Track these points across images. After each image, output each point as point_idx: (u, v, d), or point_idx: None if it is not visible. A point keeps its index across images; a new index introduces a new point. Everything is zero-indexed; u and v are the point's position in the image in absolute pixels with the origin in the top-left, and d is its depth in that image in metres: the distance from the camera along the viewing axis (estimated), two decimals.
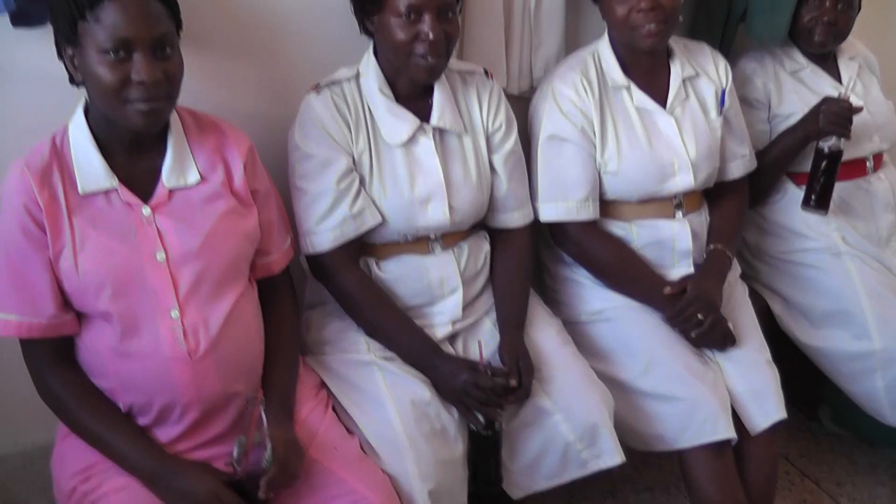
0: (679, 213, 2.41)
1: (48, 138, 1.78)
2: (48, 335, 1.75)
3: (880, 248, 2.67)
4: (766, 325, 2.54)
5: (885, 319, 2.45)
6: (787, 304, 2.66)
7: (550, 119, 2.34)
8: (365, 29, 2.11)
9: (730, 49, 2.79)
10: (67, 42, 1.69)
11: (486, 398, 1.97)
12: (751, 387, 2.24)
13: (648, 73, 2.40)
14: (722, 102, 2.45)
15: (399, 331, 2.09)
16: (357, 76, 2.13)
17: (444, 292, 2.16)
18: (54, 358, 1.78)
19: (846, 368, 2.50)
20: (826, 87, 2.68)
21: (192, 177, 1.82)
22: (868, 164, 2.73)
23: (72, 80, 1.75)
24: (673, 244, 2.39)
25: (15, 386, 1.94)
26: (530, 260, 2.35)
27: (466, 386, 1.98)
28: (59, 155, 1.76)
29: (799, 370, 2.58)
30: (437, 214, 2.12)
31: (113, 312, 1.72)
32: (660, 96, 2.39)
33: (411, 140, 2.11)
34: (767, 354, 2.33)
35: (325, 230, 2.04)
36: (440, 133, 2.15)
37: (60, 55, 1.73)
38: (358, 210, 2.05)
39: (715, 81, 2.46)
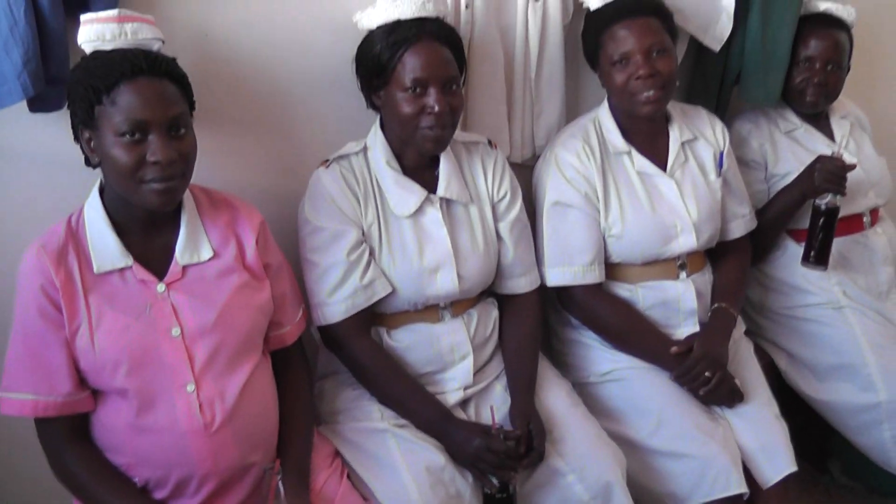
0: (683, 274, 2.44)
1: (64, 220, 1.81)
2: (64, 413, 1.76)
3: (881, 301, 2.70)
4: (773, 379, 2.56)
5: (889, 371, 2.47)
6: (792, 358, 2.68)
7: (554, 186, 2.38)
8: (372, 104, 2.17)
9: (725, 111, 2.85)
10: (84, 125, 1.73)
11: (499, 462, 1.99)
12: (760, 441, 2.25)
13: (648, 137, 2.45)
14: (720, 164, 2.50)
15: (411, 398, 2.11)
16: (365, 150, 2.17)
17: (455, 359, 2.18)
18: (69, 435, 1.79)
19: (853, 421, 2.52)
20: (820, 145, 2.74)
21: (206, 253, 1.86)
22: (865, 219, 2.78)
23: (88, 163, 1.79)
24: (678, 304, 2.42)
25: (27, 464, 1.95)
26: (539, 324, 2.37)
27: (479, 451, 2.00)
28: (74, 235, 1.79)
29: (807, 424, 2.61)
30: (446, 283, 2.15)
31: (129, 388, 1.74)
32: (660, 160, 2.44)
33: (419, 211, 2.14)
34: (776, 409, 2.35)
35: (337, 301, 2.07)
36: (447, 203, 2.19)
37: (77, 138, 1.77)
38: (368, 281, 2.08)
39: (713, 144, 2.51)
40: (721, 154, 2.51)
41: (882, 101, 3.18)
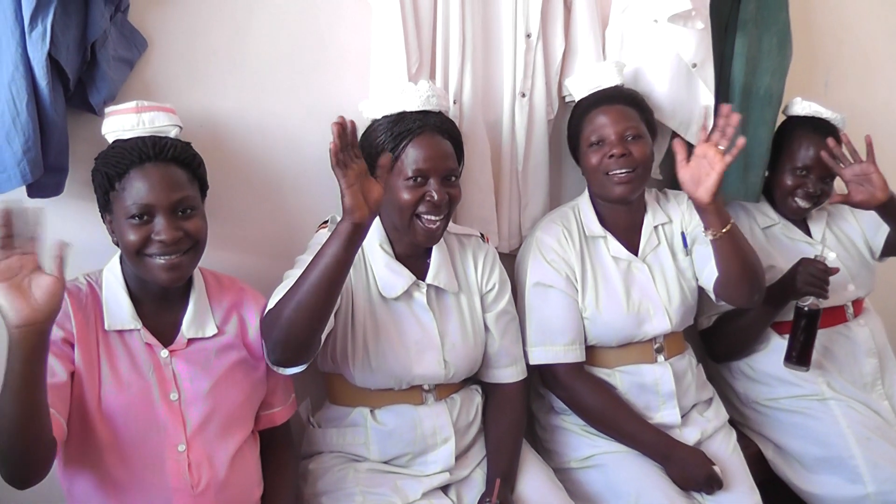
0: (661, 357, 2.48)
1: (81, 275, 1.91)
2: None
3: (866, 393, 2.72)
4: (759, 469, 2.58)
5: (875, 463, 2.49)
6: (779, 449, 2.70)
7: (536, 268, 2.44)
8: None
9: None
10: (104, 210, 1.86)
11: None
12: None
13: (624, 224, 2.51)
14: (685, 242, 2.54)
15: None
16: None
17: (436, 442, 2.20)
18: None
19: None
20: (798, 240, 2.80)
21: (210, 329, 1.95)
22: (848, 310, 2.81)
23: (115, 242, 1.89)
24: (657, 388, 2.45)
25: None
26: (523, 416, 2.38)
27: None
28: (92, 291, 1.88)
29: None
30: (431, 365, 2.18)
31: (122, 442, 1.79)
32: (634, 246, 2.51)
33: (406, 294, 2.18)
34: (757, 497, 2.35)
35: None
36: (436, 290, 2.23)
37: (104, 221, 1.89)
38: None
39: (680, 223, 2.56)
40: (683, 234, 2.55)
41: None
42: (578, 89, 2.53)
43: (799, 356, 2.57)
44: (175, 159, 1.85)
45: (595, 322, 2.43)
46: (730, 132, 2.15)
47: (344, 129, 1.74)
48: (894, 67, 3.58)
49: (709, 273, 2.42)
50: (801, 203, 2.75)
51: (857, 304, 2.85)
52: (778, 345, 2.71)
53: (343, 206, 1.75)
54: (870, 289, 2.88)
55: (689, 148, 2.24)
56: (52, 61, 1.84)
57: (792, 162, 2.75)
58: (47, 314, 1.47)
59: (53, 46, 1.82)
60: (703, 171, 2.17)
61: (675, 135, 2.74)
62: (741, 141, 2.15)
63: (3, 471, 1.59)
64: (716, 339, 2.81)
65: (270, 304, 1.89)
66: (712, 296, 2.45)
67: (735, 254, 2.24)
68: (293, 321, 1.77)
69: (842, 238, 2.87)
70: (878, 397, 2.75)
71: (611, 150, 2.37)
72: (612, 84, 2.48)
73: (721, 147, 2.15)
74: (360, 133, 2.13)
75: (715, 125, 2.20)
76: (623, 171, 2.37)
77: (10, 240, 1.47)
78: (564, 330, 2.41)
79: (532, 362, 2.42)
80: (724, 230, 2.20)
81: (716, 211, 2.19)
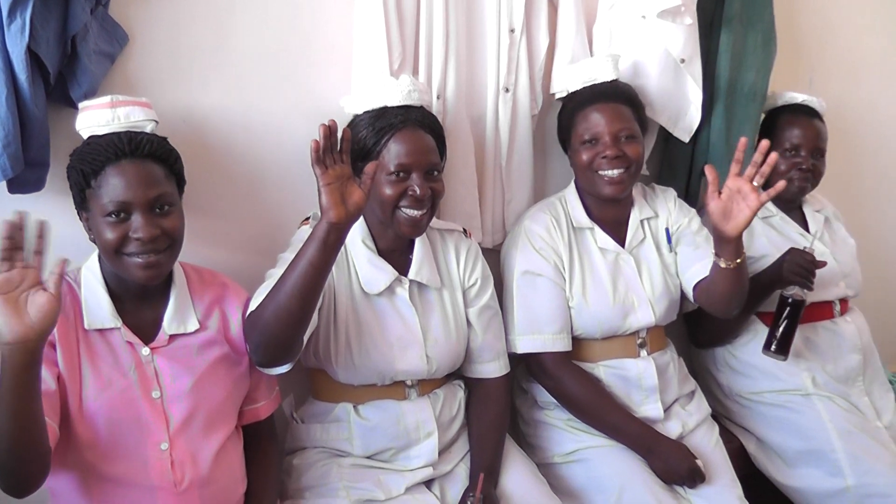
0: (643, 352, 2.49)
1: None
2: None
3: (848, 387, 2.73)
4: (742, 463, 2.59)
5: (856, 457, 2.50)
6: (761, 443, 2.71)
7: (524, 256, 2.44)
8: None
9: (696, 199, 2.90)
10: (80, 208, 1.83)
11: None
12: None
13: (611, 217, 2.52)
14: (668, 239, 2.55)
15: None
16: None
17: (420, 436, 2.19)
18: None
19: None
20: (793, 233, 2.81)
21: (192, 325, 1.93)
22: (835, 307, 2.82)
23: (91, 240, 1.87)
24: (639, 382, 2.46)
25: None
26: (506, 410, 2.38)
27: None
28: (71, 290, 1.86)
29: None
30: (413, 360, 2.18)
31: (103, 440, 1.78)
32: (621, 237, 2.51)
33: (389, 290, 2.18)
34: (739, 491, 2.36)
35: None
36: (418, 286, 2.23)
37: (80, 218, 1.86)
38: None
39: (665, 220, 2.57)
40: (667, 229, 2.56)
41: (854, 190, 3.24)
42: (572, 81, 2.52)
43: (779, 345, 2.57)
44: (151, 155, 1.83)
45: (581, 312, 2.44)
46: (766, 170, 2.13)
47: (331, 132, 1.73)
48: (878, 65, 3.60)
49: (690, 276, 2.45)
50: (800, 182, 2.77)
51: (844, 302, 2.87)
52: (764, 336, 2.68)
53: (320, 205, 1.75)
54: (858, 291, 2.90)
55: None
56: (32, 55, 1.84)
57: (781, 145, 2.77)
58: (39, 333, 1.49)
59: (33, 40, 1.81)
60: (738, 206, 2.14)
61: (668, 133, 2.77)
62: (781, 184, 2.17)
63: (1, 482, 1.60)
64: (700, 323, 2.82)
65: (252, 306, 1.89)
66: (691, 298, 2.47)
67: (736, 282, 2.28)
68: (273, 325, 1.79)
69: (837, 240, 2.91)
70: (859, 392, 2.76)
71: (604, 151, 2.37)
72: (608, 79, 2.48)
73: (756, 183, 2.14)
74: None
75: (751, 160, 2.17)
76: (615, 171, 2.37)
77: (14, 252, 1.49)
78: (553, 319, 2.41)
79: (520, 351, 2.42)
80: (737, 261, 2.22)
81: (736, 244, 2.19)
